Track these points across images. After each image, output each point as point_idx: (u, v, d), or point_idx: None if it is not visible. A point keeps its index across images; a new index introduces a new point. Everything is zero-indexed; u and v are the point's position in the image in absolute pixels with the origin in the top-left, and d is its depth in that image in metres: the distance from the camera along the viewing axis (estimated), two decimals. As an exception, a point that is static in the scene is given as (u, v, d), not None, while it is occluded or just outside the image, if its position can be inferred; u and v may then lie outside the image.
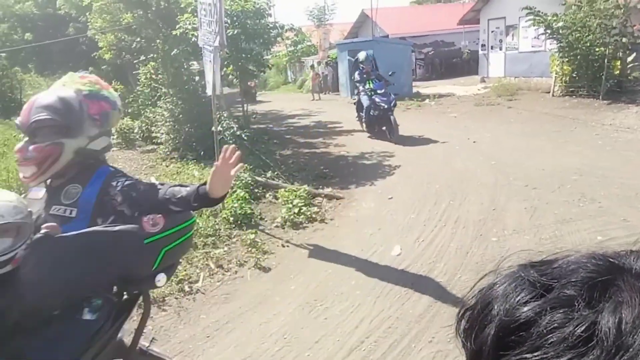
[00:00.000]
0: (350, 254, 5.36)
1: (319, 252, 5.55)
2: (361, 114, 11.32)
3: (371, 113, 10.78)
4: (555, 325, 0.41)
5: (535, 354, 0.40)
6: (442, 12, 24.62)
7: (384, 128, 10.70)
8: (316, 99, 21.06)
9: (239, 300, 4.68)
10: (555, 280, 0.45)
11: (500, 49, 18.19)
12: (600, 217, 5.45)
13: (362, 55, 11.18)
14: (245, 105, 12.50)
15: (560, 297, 0.43)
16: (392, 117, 10.36)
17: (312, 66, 24.05)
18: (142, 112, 12.06)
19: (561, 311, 0.42)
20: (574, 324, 0.40)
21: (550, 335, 0.40)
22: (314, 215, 6.51)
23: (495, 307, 0.46)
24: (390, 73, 11.87)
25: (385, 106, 10.37)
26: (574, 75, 12.95)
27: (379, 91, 10.56)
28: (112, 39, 15.25)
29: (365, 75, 10.94)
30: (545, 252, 0.52)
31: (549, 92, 13.89)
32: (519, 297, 0.45)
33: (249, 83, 18.06)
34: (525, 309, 0.44)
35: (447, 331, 3.76)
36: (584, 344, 0.39)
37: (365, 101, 10.82)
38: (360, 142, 10.90)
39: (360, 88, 11.00)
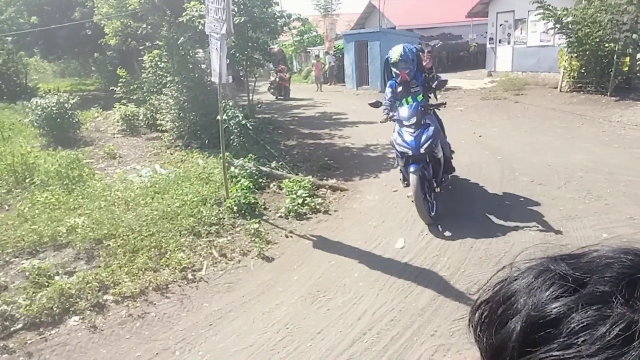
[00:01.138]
0: (354, 246, 5.35)
1: (322, 243, 5.54)
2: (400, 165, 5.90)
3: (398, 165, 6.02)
4: (590, 322, 0.39)
5: (567, 351, 0.38)
6: (450, 4, 24.36)
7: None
8: (319, 90, 20.95)
9: (242, 289, 4.68)
10: (588, 275, 0.42)
11: (508, 42, 18.01)
12: (606, 215, 5.41)
13: (395, 54, 5.83)
14: (250, 94, 12.44)
15: (595, 293, 0.41)
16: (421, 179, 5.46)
17: (317, 56, 23.91)
18: (147, 99, 12.02)
19: (595, 308, 0.39)
20: (611, 322, 0.38)
21: (584, 332, 0.38)
22: (317, 207, 6.50)
23: (521, 301, 0.44)
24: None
25: (410, 152, 5.47)
26: (583, 71, 12.83)
27: (405, 122, 5.57)
28: (118, 25, 15.15)
29: (400, 89, 5.90)
30: (567, 245, 0.50)
31: (557, 88, 13.77)
32: (548, 292, 0.43)
33: (281, 74, 18.35)
34: (557, 304, 0.41)
35: (450, 325, 3.76)
36: (622, 343, 0.37)
37: (395, 140, 5.69)
38: (365, 133, 10.84)
39: (394, 116, 5.75)
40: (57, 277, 4.73)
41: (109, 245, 5.27)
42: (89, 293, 4.43)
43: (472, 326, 0.49)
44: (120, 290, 4.50)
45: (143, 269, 4.85)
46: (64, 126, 10.84)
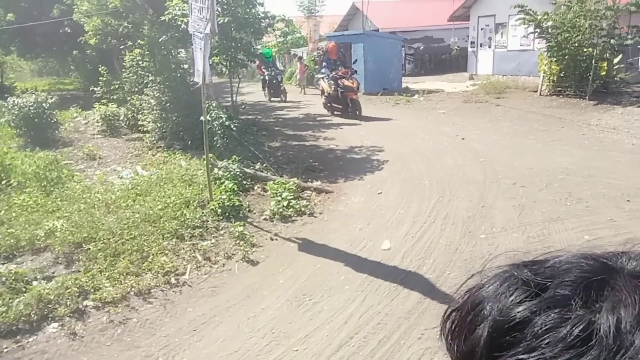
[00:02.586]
0: (340, 249, 5.33)
1: (308, 246, 5.50)
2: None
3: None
4: (552, 325, 0.40)
5: (532, 354, 0.40)
6: (432, 7, 24.61)
7: None
8: (303, 93, 20.27)
9: (227, 293, 4.62)
10: (549, 280, 0.44)
11: (489, 46, 18.26)
12: (587, 217, 5.50)
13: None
14: (235, 95, 12.34)
15: (556, 297, 0.42)
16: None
17: (301, 58, 23.60)
18: (128, 99, 11.82)
19: (556, 311, 0.41)
20: (571, 323, 0.40)
21: (547, 335, 0.40)
22: (303, 209, 6.46)
23: (487, 307, 0.45)
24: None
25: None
26: (562, 75, 13.05)
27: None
28: (99, 23, 14.88)
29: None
30: (531, 252, 0.51)
31: (537, 91, 13.99)
32: (512, 297, 0.44)
33: (351, 83, 12.58)
34: (520, 308, 0.43)
35: (436, 328, 3.75)
36: (582, 343, 0.39)
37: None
38: (349, 135, 10.85)
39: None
40: (35, 283, 4.59)
41: (89, 249, 5.14)
42: (68, 299, 4.31)
43: (443, 335, 0.50)
44: (101, 295, 4.39)
45: (124, 274, 4.74)
46: (42, 126, 10.59)
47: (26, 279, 4.59)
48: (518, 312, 0.42)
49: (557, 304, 0.41)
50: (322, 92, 13.65)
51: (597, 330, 0.39)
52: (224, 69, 11.49)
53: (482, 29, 18.50)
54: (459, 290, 0.51)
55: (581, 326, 0.39)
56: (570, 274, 0.44)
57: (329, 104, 13.38)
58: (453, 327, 0.49)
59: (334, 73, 12.74)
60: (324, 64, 13.88)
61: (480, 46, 18.72)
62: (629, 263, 0.45)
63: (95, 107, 12.44)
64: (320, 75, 13.95)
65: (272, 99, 18.10)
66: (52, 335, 3.99)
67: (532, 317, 0.41)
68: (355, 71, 13.33)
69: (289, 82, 25.18)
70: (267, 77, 18.05)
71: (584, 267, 0.44)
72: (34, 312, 4.11)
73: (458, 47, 23.25)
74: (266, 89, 18.36)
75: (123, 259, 4.96)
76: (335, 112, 13.22)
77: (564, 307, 0.41)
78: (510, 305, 0.43)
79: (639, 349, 0.37)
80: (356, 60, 14.10)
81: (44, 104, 10.66)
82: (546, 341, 0.39)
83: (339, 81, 12.46)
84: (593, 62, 12.04)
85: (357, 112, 12.42)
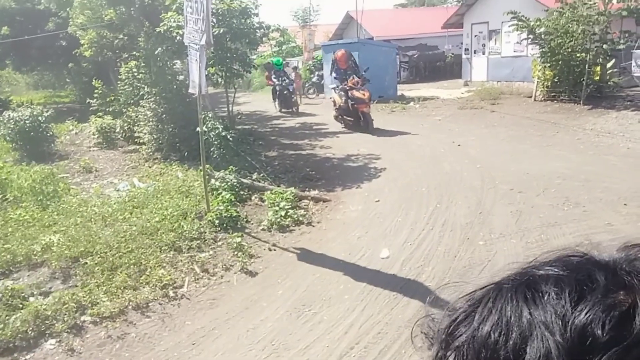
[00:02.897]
0: (338, 258, 5.31)
1: (306, 256, 5.48)
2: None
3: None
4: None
5: None
6: (426, 15, 24.83)
7: None
8: (298, 104, 17.99)
9: (226, 305, 4.59)
10: None
11: (483, 53, 18.38)
12: (584, 221, 5.50)
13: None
14: (231, 105, 12.35)
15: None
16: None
17: (296, 67, 23.35)
18: (124, 111, 11.82)
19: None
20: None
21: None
22: (300, 218, 6.45)
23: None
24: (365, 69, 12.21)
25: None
26: (556, 80, 13.13)
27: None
28: (94, 36, 14.90)
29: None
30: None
31: (531, 97, 14.07)
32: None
33: (362, 94, 11.36)
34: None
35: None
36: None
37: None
38: (345, 144, 10.86)
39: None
40: (31, 298, 4.55)
41: (86, 263, 5.11)
42: (65, 314, 4.27)
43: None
44: (99, 310, 4.36)
45: (122, 288, 4.70)
46: (37, 140, 10.56)
47: (23, 295, 4.56)
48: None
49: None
50: (334, 103, 12.83)
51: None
52: (219, 80, 11.51)
53: (475, 36, 18.64)
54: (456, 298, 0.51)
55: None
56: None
57: (340, 117, 12.51)
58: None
59: (344, 84, 11.88)
60: (334, 74, 12.84)
61: (474, 53, 18.85)
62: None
63: (91, 120, 12.42)
64: (331, 86, 13.04)
65: (283, 110, 17.08)
66: (50, 352, 3.95)
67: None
68: (368, 80, 12.02)
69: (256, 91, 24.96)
70: (277, 88, 16.89)
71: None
72: (30, 328, 4.07)
73: (452, 54, 23.38)
74: (276, 100, 17.21)
75: (120, 272, 4.93)
76: (347, 125, 12.28)
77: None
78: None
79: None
80: (367, 68, 12.39)
81: (39, 117, 10.65)
82: None
83: (349, 92, 11.55)
84: (586, 67, 12.12)
85: (368, 126, 11.53)
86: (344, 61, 12.41)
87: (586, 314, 0.39)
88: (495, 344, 0.41)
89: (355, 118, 11.86)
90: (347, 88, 11.60)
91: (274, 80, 16.98)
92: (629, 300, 0.39)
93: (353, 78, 11.66)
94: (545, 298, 0.41)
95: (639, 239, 0.48)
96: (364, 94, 11.40)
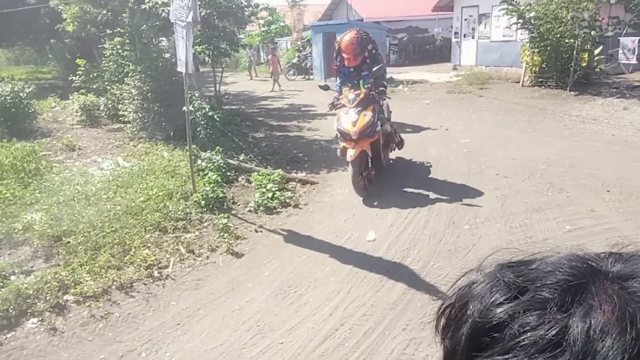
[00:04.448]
0: (325, 240, 5.31)
1: (293, 238, 5.48)
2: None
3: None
4: (528, 328, 0.41)
5: (506, 356, 0.41)
6: (416, -3, 24.57)
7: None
8: (274, 89, 18.19)
9: (211, 286, 4.57)
10: (531, 282, 0.45)
11: (473, 37, 18.32)
12: (568, 207, 5.57)
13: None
14: (218, 85, 12.18)
15: (534, 300, 0.43)
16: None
17: (273, 49, 21.17)
18: (108, 88, 11.57)
19: (535, 314, 0.42)
20: (545, 327, 0.40)
21: (522, 337, 0.40)
22: (287, 200, 6.42)
23: (470, 307, 0.46)
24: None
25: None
26: (544, 66, 13.19)
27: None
28: (77, 11, 14.47)
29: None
30: (527, 250, 0.52)
31: (519, 82, 14.12)
32: (493, 298, 0.45)
33: (365, 120, 5.89)
34: (499, 310, 0.44)
35: (421, 319, 3.78)
36: (554, 348, 0.39)
37: (339, 120, 6.34)
38: (333, 126, 10.79)
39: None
40: (13, 277, 4.48)
41: (69, 242, 5.04)
42: (47, 293, 4.22)
43: (437, 330, 0.51)
44: (82, 289, 4.31)
45: (106, 267, 4.65)
46: (19, 116, 10.30)
47: (4, 273, 4.48)
48: (497, 313, 0.43)
49: (535, 307, 0.42)
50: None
51: (568, 335, 0.39)
52: (206, 59, 11.31)
53: (465, 20, 18.55)
54: (455, 285, 0.52)
55: (555, 330, 0.40)
56: (553, 277, 0.44)
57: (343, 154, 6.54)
58: (444, 323, 0.50)
59: (342, 96, 6.47)
60: (340, 75, 6.74)
61: (464, 37, 18.78)
62: (613, 266, 0.45)
63: (73, 97, 12.15)
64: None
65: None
66: (31, 331, 3.91)
67: (510, 320, 0.42)
68: (384, 87, 6.56)
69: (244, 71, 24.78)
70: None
71: (566, 269, 0.45)
72: (12, 307, 4.01)
73: (442, 37, 23.30)
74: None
75: (104, 252, 4.87)
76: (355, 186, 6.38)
77: (542, 309, 0.42)
78: (490, 306, 0.44)
79: (605, 356, 0.38)
80: (380, 66, 6.45)
81: (20, 94, 10.37)
82: (522, 343, 0.40)
83: (340, 117, 6.28)
84: (574, 53, 12.17)
85: (366, 187, 6.35)
86: (351, 52, 6.36)
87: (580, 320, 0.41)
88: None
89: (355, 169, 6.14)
90: (336, 103, 6.51)
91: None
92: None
93: (368, 84, 6.31)
94: (535, 301, 0.43)
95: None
96: (358, 120, 6.03)
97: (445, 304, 0.51)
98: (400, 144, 7.40)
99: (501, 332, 0.42)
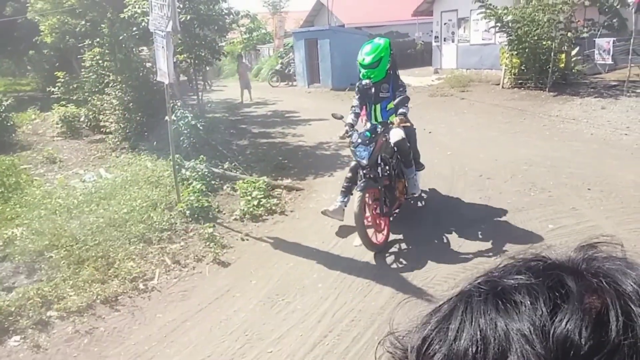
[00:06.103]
0: (312, 246, 5.30)
1: (279, 245, 5.45)
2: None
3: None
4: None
5: None
6: (397, 3, 24.83)
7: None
8: (246, 100, 16.82)
9: (197, 297, 4.53)
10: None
11: (453, 41, 18.56)
12: (550, 206, 5.66)
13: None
14: (200, 93, 12.11)
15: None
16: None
17: (241, 56, 19.55)
18: (89, 99, 11.43)
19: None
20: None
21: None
22: (273, 207, 6.40)
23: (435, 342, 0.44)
24: None
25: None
26: (523, 67, 13.40)
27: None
28: (55, 22, 14.29)
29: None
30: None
31: (499, 84, 14.31)
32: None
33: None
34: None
35: (409, 322, 3.79)
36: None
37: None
38: (318, 131, 10.82)
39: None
40: (-7, 295, 4.38)
41: (51, 257, 4.95)
42: (30, 310, 4.13)
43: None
44: (65, 305, 4.23)
45: (89, 281, 4.58)
46: (-3, 130, 10.13)
47: (-16, 291, 4.38)
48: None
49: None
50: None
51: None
52: (189, 68, 11.26)
53: (445, 24, 18.78)
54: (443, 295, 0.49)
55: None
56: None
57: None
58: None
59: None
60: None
61: (444, 41, 19.01)
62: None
63: (53, 109, 11.98)
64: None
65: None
66: (14, 349, 3.82)
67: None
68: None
69: (256, 78, 24.76)
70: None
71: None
72: (-7, 326, 3.92)
73: (422, 41, 23.53)
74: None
75: (88, 266, 4.79)
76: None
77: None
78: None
79: None
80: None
81: (-2, 107, 10.20)
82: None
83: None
84: (552, 54, 12.40)
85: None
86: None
87: (566, 323, 0.37)
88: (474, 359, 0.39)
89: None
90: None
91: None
92: (600, 304, 0.38)
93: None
94: (521, 308, 0.39)
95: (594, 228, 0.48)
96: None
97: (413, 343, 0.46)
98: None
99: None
